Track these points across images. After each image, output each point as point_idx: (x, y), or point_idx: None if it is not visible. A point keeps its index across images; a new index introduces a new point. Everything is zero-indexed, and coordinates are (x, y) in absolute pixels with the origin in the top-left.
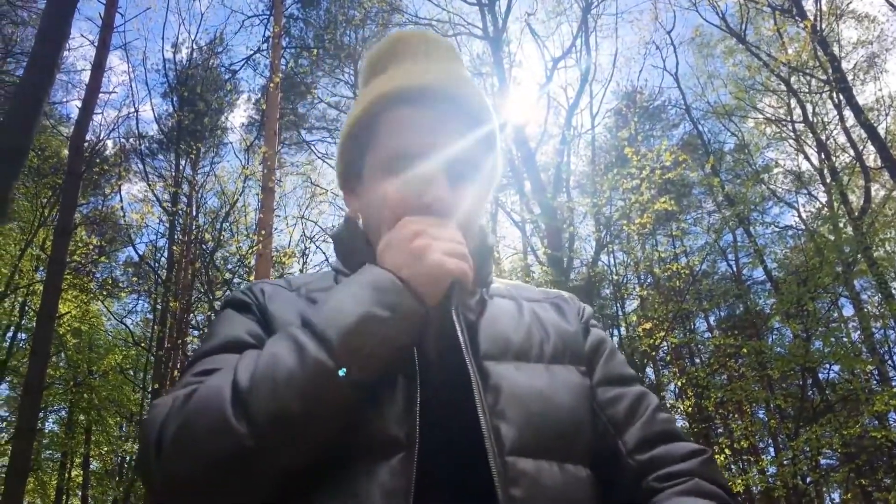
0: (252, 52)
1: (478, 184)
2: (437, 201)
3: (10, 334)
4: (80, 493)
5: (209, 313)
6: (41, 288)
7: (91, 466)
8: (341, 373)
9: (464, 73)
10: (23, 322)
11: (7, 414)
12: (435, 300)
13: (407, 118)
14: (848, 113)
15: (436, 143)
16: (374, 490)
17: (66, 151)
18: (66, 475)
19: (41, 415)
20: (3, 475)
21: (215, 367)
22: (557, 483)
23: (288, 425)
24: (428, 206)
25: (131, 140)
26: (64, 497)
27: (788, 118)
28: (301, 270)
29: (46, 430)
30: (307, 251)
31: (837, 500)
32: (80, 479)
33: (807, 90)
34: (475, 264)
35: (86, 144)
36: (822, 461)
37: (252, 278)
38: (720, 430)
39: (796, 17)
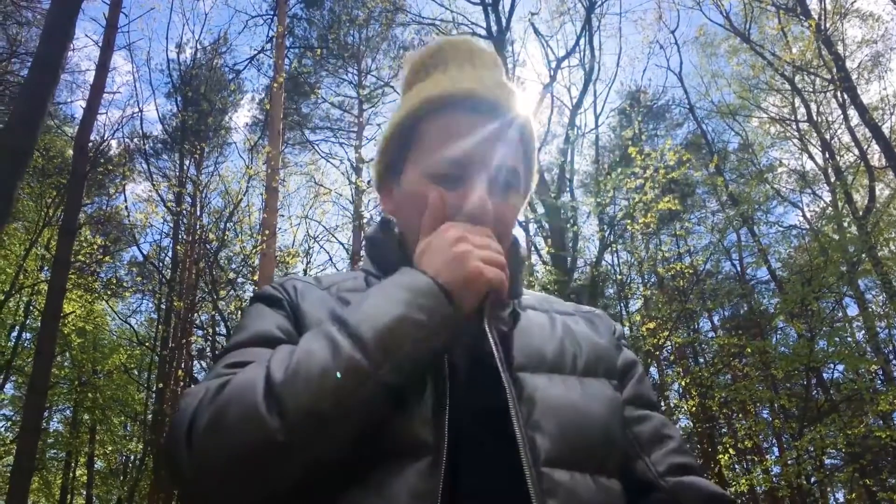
0: (256, 52)
1: (516, 194)
2: (478, 210)
3: (14, 334)
4: (84, 493)
5: (213, 313)
6: (46, 288)
7: (95, 466)
8: (375, 373)
9: (508, 83)
10: (27, 322)
11: (12, 413)
12: (471, 307)
13: (453, 124)
14: (852, 112)
15: (481, 151)
16: (401, 491)
17: (70, 151)
18: (71, 474)
19: (46, 414)
20: (9, 474)
21: (246, 359)
22: (592, 495)
23: (319, 421)
24: (469, 213)
25: (135, 140)
26: (68, 496)
27: (792, 117)
28: (305, 270)
29: (51, 430)
30: (311, 251)
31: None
32: (85, 478)
33: (811, 89)
34: (513, 278)
35: (90, 144)
36: (827, 461)
37: (256, 278)
38: (724, 430)
39: (800, 16)
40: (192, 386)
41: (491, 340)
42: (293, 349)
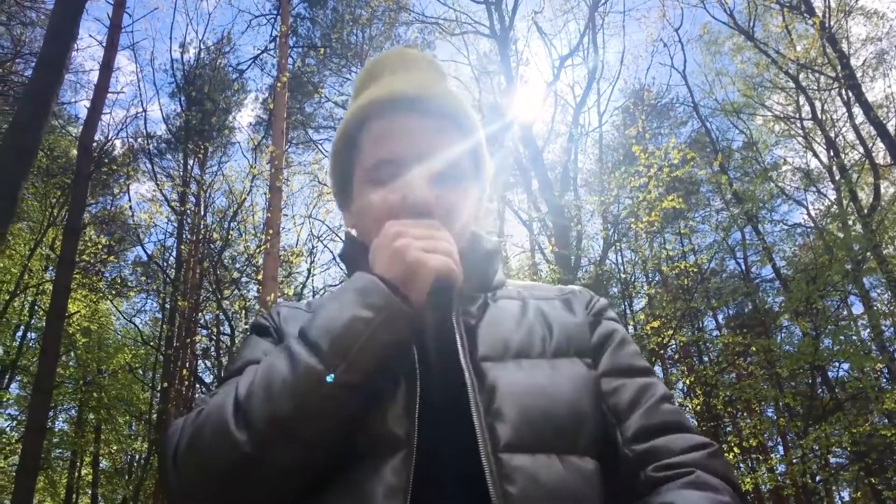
0: (259, 51)
1: (462, 183)
2: (417, 203)
3: (20, 334)
4: (89, 492)
5: (218, 312)
6: (51, 287)
7: (100, 465)
8: (329, 377)
9: (437, 79)
10: (32, 321)
11: (17, 413)
12: (421, 297)
13: (383, 127)
14: (857, 110)
15: (412, 146)
16: (377, 488)
17: (74, 151)
18: (76, 474)
19: (51, 414)
20: (14, 473)
21: (232, 385)
22: (558, 477)
23: (283, 428)
24: (410, 208)
25: (139, 140)
26: (74, 495)
27: (797, 115)
28: (309, 269)
29: (56, 429)
30: (315, 250)
31: (847, 498)
32: (90, 477)
33: (815, 87)
34: (473, 267)
35: (94, 144)
36: (832, 460)
37: (260, 277)
38: (729, 429)
39: (805, 14)
40: (176, 420)
41: (457, 334)
42: (258, 367)
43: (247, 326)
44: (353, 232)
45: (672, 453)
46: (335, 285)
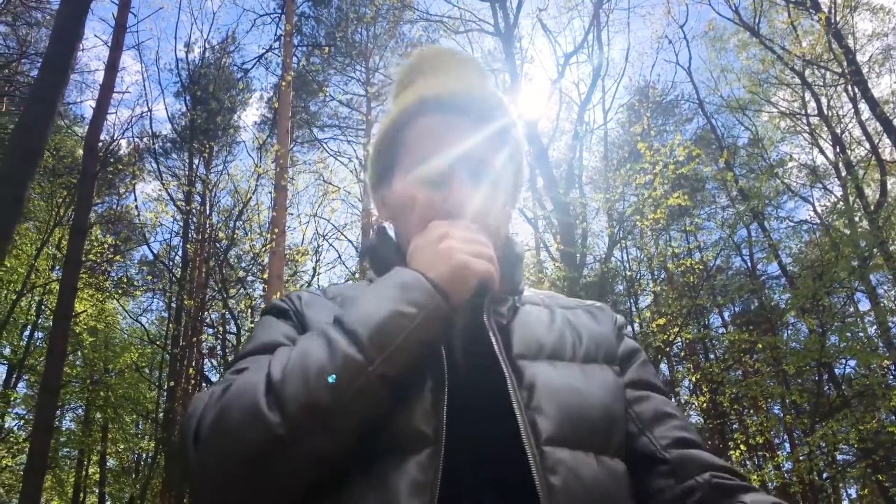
0: (264, 50)
1: (501, 188)
2: (459, 205)
3: (27, 333)
4: (97, 491)
5: (223, 311)
6: (57, 287)
7: (108, 464)
8: (370, 367)
9: (483, 81)
10: (39, 321)
11: (25, 412)
12: (461, 299)
13: (430, 126)
14: (863, 106)
15: (458, 147)
16: (401, 483)
17: (80, 151)
18: (83, 472)
19: (58, 413)
20: (22, 472)
21: (252, 366)
22: (595, 474)
23: (318, 415)
24: (453, 209)
25: (145, 139)
26: (81, 494)
27: (803, 112)
28: (314, 268)
29: (63, 428)
30: (320, 249)
31: (854, 495)
32: (97, 476)
33: (821, 83)
34: (504, 271)
35: (100, 144)
36: (839, 457)
37: (266, 276)
38: (735, 426)
39: (810, 10)
40: (200, 391)
41: (490, 331)
42: (292, 349)
43: (252, 325)
44: (387, 226)
45: (706, 464)
46: (336, 284)
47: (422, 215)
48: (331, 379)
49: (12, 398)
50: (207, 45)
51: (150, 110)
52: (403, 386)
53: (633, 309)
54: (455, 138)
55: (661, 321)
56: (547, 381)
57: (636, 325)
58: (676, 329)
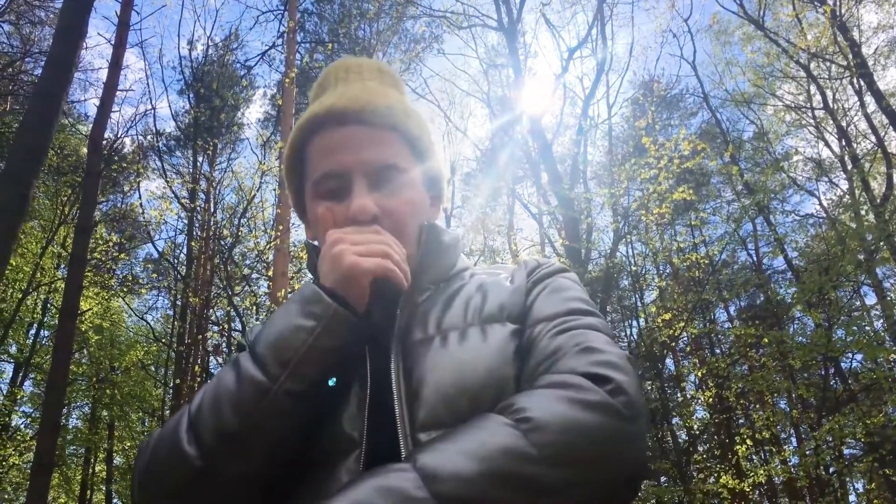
0: (267, 47)
1: (404, 186)
2: (357, 210)
3: (33, 331)
4: (104, 488)
5: (228, 308)
6: (63, 285)
7: (114, 461)
8: (275, 385)
9: (381, 89)
10: (45, 319)
11: (32, 410)
12: (361, 300)
13: (324, 141)
14: (869, 99)
15: (352, 158)
16: (333, 490)
17: (84, 149)
18: (90, 470)
19: (65, 411)
20: (29, 470)
21: None
22: None
23: (230, 440)
24: (353, 218)
25: (149, 137)
26: (88, 492)
27: (808, 105)
28: None
29: (70, 426)
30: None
31: (861, 490)
32: (104, 474)
33: (827, 76)
34: (427, 261)
35: (104, 142)
36: (846, 451)
37: (270, 273)
38: (741, 421)
39: (815, 3)
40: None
41: (395, 325)
42: (209, 382)
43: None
44: (315, 243)
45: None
46: None
47: (325, 229)
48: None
49: (19, 396)
50: (211, 43)
51: (153, 108)
52: (321, 397)
53: (639, 304)
54: (347, 147)
55: (667, 316)
56: (429, 361)
57: (641, 320)
58: (682, 324)
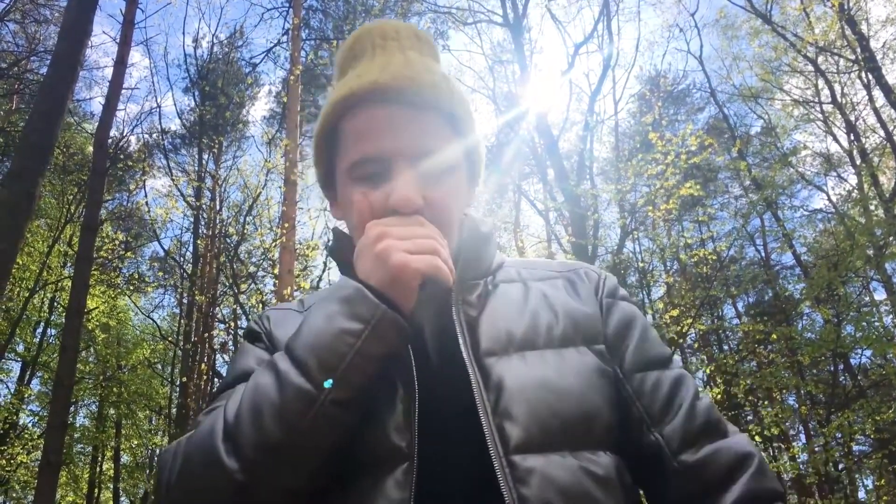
0: (272, 44)
1: (448, 173)
2: (401, 201)
3: (39, 330)
4: (111, 486)
5: (235, 306)
6: (69, 284)
7: (122, 460)
8: (322, 395)
9: (424, 61)
10: (52, 318)
11: (39, 409)
12: (409, 302)
13: (362, 121)
14: (877, 93)
15: (396, 142)
16: (378, 502)
17: (90, 148)
18: (98, 468)
19: (72, 409)
20: (37, 469)
21: (223, 402)
22: (573, 475)
23: (275, 454)
24: (394, 208)
25: (154, 135)
26: (96, 490)
27: (816, 99)
28: (325, 262)
29: (77, 425)
30: (330, 243)
31: (871, 486)
32: (112, 472)
33: (835, 70)
34: (469, 255)
35: (110, 141)
36: (855, 447)
37: (276, 271)
38: (750, 418)
39: None
40: (170, 444)
41: (458, 330)
42: (246, 386)
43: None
44: (342, 226)
45: (722, 472)
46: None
47: (360, 216)
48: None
49: (26, 395)
50: (215, 40)
51: (158, 106)
52: (366, 403)
53: (646, 300)
54: (391, 131)
55: (675, 312)
56: (516, 379)
57: (649, 317)
58: (690, 320)
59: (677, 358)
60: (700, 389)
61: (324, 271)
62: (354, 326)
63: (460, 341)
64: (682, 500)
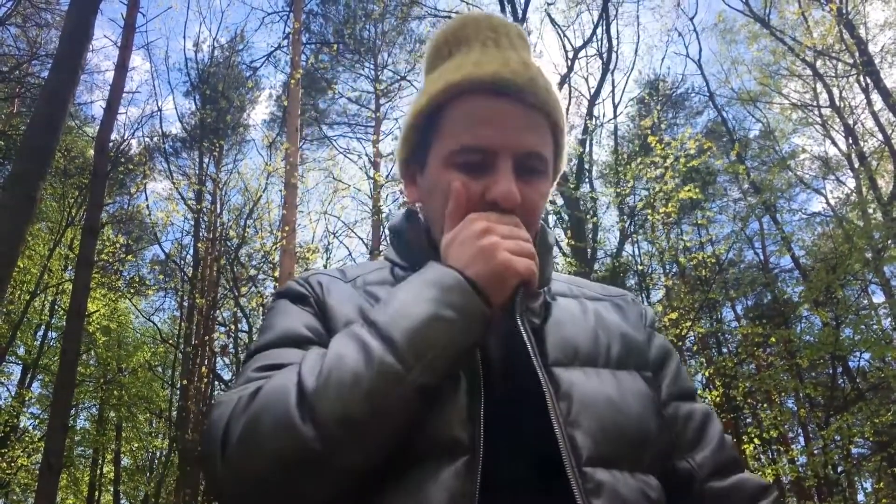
0: (272, 48)
1: (544, 180)
2: (504, 198)
3: (40, 333)
4: (111, 489)
5: (235, 309)
6: (70, 287)
7: (122, 462)
8: (409, 376)
9: (534, 62)
10: (53, 321)
11: (40, 411)
12: (501, 301)
13: (477, 110)
14: (875, 97)
15: (505, 137)
16: (438, 493)
17: (91, 151)
18: (98, 471)
19: (73, 412)
20: (37, 472)
21: (276, 362)
22: (633, 492)
23: (354, 428)
24: (495, 202)
25: (155, 139)
26: (96, 493)
27: (815, 103)
28: (325, 265)
29: (78, 427)
30: (330, 246)
31: (869, 489)
32: (112, 474)
33: (833, 74)
34: (541, 266)
35: (111, 144)
36: (854, 450)
37: (276, 274)
38: (749, 420)
39: (821, 0)
40: (223, 393)
41: (524, 335)
42: (324, 353)
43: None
44: (417, 208)
45: (745, 498)
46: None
47: (458, 205)
48: (371, 379)
49: (27, 398)
50: (216, 44)
51: (159, 109)
52: (437, 391)
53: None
54: (501, 125)
55: (674, 315)
56: (584, 391)
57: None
58: (689, 323)
59: None
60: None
61: None
62: (449, 314)
63: (528, 347)
64: None
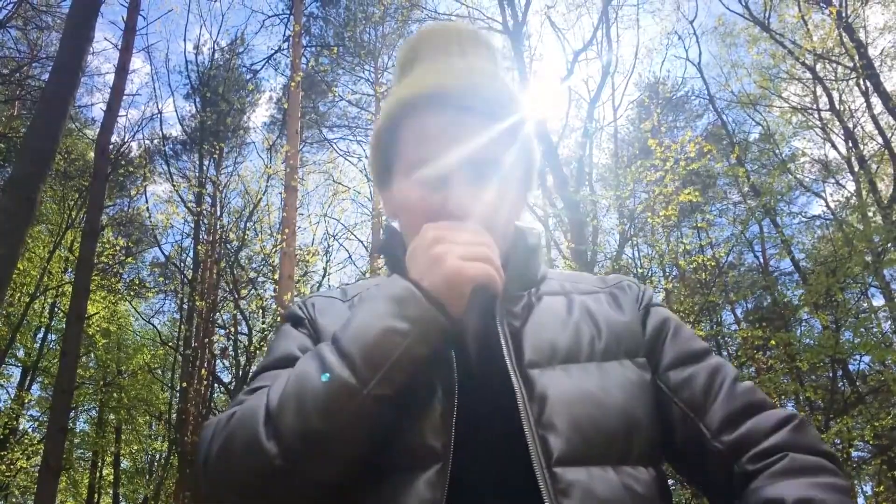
0: (273, 51)
1: (504, 182)
2: (456, 205)
3: (40, 335)
4: (111, 492)
5: (235, 312)
6: (70, 289)
7: (121, 465)
8: (365, 389)
9: (486, 67)
10: (52, 323)
11: (39, 414)
12: (459, 308)
13: (423, 125)
14: (875, 100)
15: (454, 147)
16: (410, 502)
17: (91, 154)
18: (98, 474)
19: (72, 414)
20: (37, 474)
21: (265, 384)
22: (613, 489)
23: (314, 443)
24: (451, 213)
25: (155, 141)
26: (95, 495)
27: (814, 106)
28: (325, 268)
29: (77, 430)
30: (330, 249)
31: (870, 492)
32: (111, 477)
33: (833, 77)
34: (516, 266)
35: (111, 146)
36: (854, 453)
37: (276, 277)
38: None
39: (821, 4)
40: (212, 417)
41: (502, 339)
42: (290, 373)
43: (263, 325)
44: (394, 223)
45: (760, 438)
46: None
47: (416, 216)
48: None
49: (27, 400)
50: (216, 47)
51: (160, 112)
52: (405, 399)
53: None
54: (455, 138)
55: None
56: (559, 391)
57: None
58: (689, 326)
59: (714, 351)
60: (742, 375)
61: (324, 277)
62: (402, 326)
63: (504, 351)
64: (724, 477)
